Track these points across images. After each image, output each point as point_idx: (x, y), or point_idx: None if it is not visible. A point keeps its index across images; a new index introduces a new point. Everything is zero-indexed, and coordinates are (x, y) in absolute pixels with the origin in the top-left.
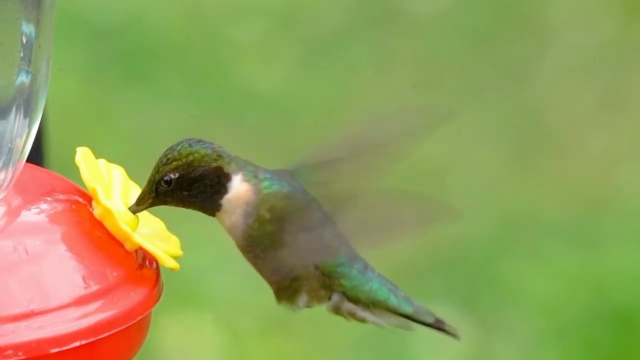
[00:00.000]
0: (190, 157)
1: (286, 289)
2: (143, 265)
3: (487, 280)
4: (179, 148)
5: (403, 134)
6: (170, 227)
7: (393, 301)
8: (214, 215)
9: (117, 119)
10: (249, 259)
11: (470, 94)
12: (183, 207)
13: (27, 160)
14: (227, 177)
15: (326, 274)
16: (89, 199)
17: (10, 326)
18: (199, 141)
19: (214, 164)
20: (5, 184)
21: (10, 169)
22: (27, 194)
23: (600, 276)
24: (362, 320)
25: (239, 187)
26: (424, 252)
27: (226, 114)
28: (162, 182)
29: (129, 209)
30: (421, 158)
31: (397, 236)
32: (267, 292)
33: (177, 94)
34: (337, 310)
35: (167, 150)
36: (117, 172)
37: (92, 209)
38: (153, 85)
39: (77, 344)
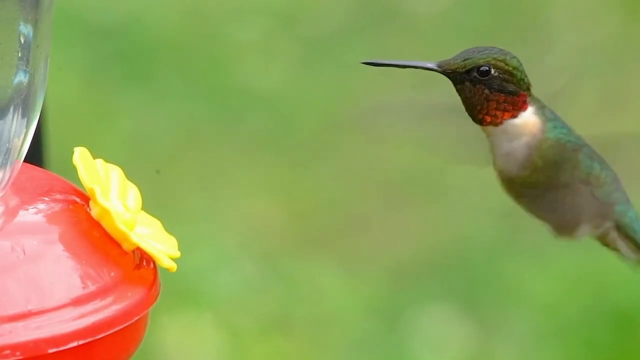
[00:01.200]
0: (515, 72)
1: (567, 225)
2: (141, 265)
3: (487, 280)
4: (511, 57)
5: None
6: (170, 227)
7: None
8: (481, 124)
9: (117, 119)
10: (513, 193)
11: None
12: (466, 98)
13: (27, 160)
14: (524, 105)
15: (603, 201)
16: (86, 199)
17: (7, 326)
18: (521, 64)
19: (523, 91)
20: (3, 184)
21: (7, 169)
22: (25, 194)
23: (600, 276)
24: (620, 250)
25: (529, 117)
26: (424, 252)
27: (226, 114)
28: (481, 67)
29: (428, 64)
30: (421, 158)
31: None
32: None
33: (177, 94)
34: (605, 238)
35: (502, 49)
36: (115, 173)
37: (90, 209)
38: (153, 85)
39: (74, 344)
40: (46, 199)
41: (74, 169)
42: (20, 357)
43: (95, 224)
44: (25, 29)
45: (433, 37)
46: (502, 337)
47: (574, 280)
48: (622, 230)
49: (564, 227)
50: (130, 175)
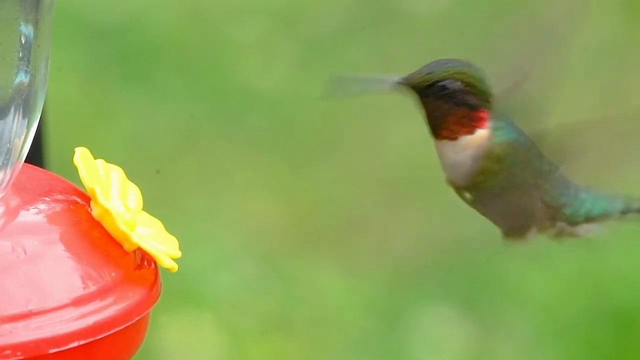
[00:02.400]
0: (477, 84)
1: (516, 228)
2: (141, 265)
3: (487, 280)
4: (474, 69)
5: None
6: (170, 228)
7: (608, 211)
8: (437, 138)
9: (117, 119)
10: (466, 199)
11: None
12: (426, 111)
13: (27, 161)
14: (482, 124)
15: (552, 206)
16: (87, 199)
17: (8, 326)
18: (485, 77)
19: (486, 105)
20: (4, 184)
21: (8, 169)
22: (26, 194)
23: (600, 276)
24: (581, 235)
25: (479, 132)
26: (424, 252)
27: (226, 114)
28: (442, 81)
29: (389, 80)
30: (421, 157)
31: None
32: (267, 292)
33: (177, 94)
34: (559, 235)
35: (464, 61)
36: (115, 173)
37: (91, 210)
38: (153, 85)
39: (75, 344)
40: (47, 199)
41: (74, 169)
42: (21, 357)
43: (96, 224)
44: (26, 29)
45: (433, 37)
46: (502, 337)
47: (574, 280)
48: (582, 221)
49: (515, 229)
50: (130, 175)
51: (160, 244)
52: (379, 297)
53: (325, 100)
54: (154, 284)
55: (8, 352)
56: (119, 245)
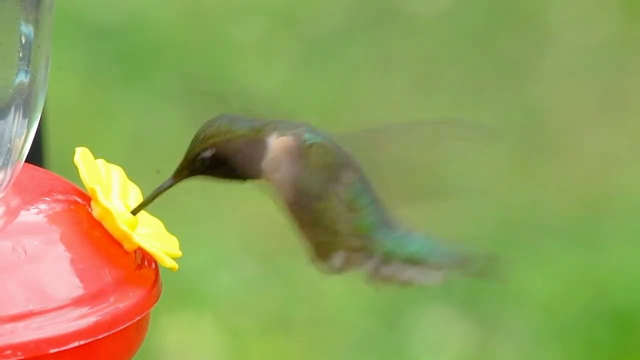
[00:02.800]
0: (229, 135)
1: (321, 246)
2: (142, 265)
3: (487, 280)
4: (217, 124)
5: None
6: (170, 227)
7: (434, 258)
8: (253, 180)
9: (117, 119)
10: (291, 214)
11: (470, 93)
12: (220, 179)
13: (27, 161)
14: (264, 145)
15: (364, 235)
16: (87, 199)
17: (8, 326)
18: (238, 118)
19: (252, 139)
20: (4, 184)
21: (9, 169)
22: (26, 194)
23: (600, 276)
24: (403, 283)
25: (276, 144)
26: None
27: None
28: (198, 159)
29: (166, 182)
30: (421, 157)
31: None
32: (267, 292)
33: (177, 94)
34: (375, 276)
35: (204, 125)
36: (116, 173)
37: (91, 209)
38: (153, 85)
39: (75, 344)
40: (47, 199)
41: (75, 168)
42: (22, 357)
43: (97, 224)
44: (26, 29)
45: (433, 37)
46: (502, 337)
47: (574, 280)
48: (402, 261)
49: (320, 248)
50: (130, 175)
51: (160, 243)
52: (379, 297)
53: (325, 100)
54: (154, 284)
55: (8, 352)
56: (119, 245)
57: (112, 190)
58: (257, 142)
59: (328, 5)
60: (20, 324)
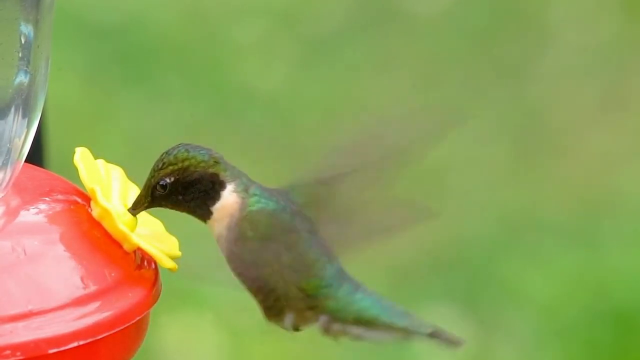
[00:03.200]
0: (187, 162)
1: (271, 308)
2: (141, 265)
3: (487, 280)
4: (175, 152)
5: (410, 139)
6: (170, 228)
7: (384, 318)
8: (205, 222)
9: (117, 119)
10: (233, 272)
11: (470, 94)
12: (178, 210)
13: (27, 161)
14: (221, 185)
15: (311, 295)
16: (87, 199)
17: (8, 326)
18: (196, 146)
19: (210, 170)
20: (4, 184)
21: (8, 169)
22: (26, 194)
23: (600, 276)
24: (356, 339)
25: (228, 198)
26: (424, 252)
27: (226, 114)
28: (157, 186)
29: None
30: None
31: (382, 238)
32: None
33: (177, 94)
34: (327, 332)
35: (163, 154)
36: (116, 173)
37: (91, 210)
38: (153, 85)
39: (75, 344)
40: (47, 199)
41: (74, 169)
42: (21, 358)
43: (96, 225)
44: (26, 29)
45: (433, 37)
46: (502, 337)
47: (574, 280)
48: (351, 320)
49: (269, 309)
50: (130, 175)
51: (160, 244)
52: None
53: (325, 100)
54: (154, 284)
55: (8, 352)
56: (119, 245)
57: (112, 190)
58: (214, 180)
59: (328, 5)
60: (20, 324)
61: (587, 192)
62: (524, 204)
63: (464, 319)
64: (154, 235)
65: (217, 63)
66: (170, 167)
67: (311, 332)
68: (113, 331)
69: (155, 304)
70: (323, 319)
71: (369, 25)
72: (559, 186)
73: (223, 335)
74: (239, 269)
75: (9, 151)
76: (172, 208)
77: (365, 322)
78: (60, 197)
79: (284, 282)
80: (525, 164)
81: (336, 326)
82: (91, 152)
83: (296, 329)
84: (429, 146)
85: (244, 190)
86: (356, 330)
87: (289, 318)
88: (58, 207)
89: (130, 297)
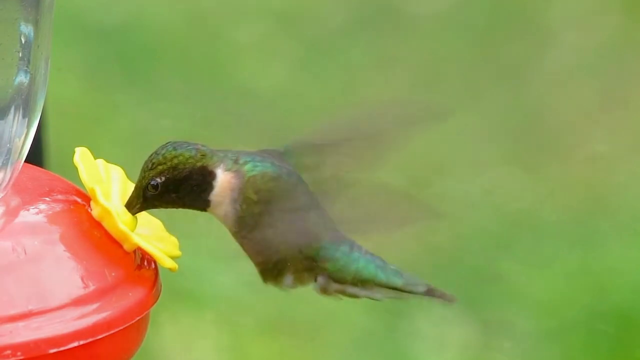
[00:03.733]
0: (175, 160)
1: (271, 270)
2: (141, 265)
3: (487, 279)
4: (163, 152)
5: (399, 125)
6: (170, 227)
7: (381, 277)
8: (205, 211)
9: (117, 119)
10: (239, 242)
11: (470, 94)
12: (173, 207)
13: (27, 161)
14: (211, 175)
15: (310, 256)
16: (87, 199)
17: (8, 326)
18: (183, 143)
19: (199, 164)
20: (4, 184)
21: (8, 169)
22: (26, 194)
23: (600, 276)
24: (353, 296)
25: (222, 180)
26: (424, 252)
27: (226, 114)
28: (148, 187)
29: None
30: (421, 157)
31: (381, 229)
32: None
33: (177, 94)
34: (324, 291)
35: (151, 155)
36: (116, 173)
37: (91, 210)
38: (153, 85)
39: (75, 344)
40: (47, 199)
41: (74, 169)
42: (21, 357)
43: (96, 224)
44: (26, 29)
45: (433, 37)
46: (502, 337)
47: (574, 280)
48: (349, 281)
49: (268, 270)
50: (130, 175)
51: (160, 243)
52: None
53: (325, 100)
54: (154, 284)
55: (8, 352)
56: (119, 245)
57: (112, 190)
58: (204, 173)
59: (328, 5)
60: (20, 324)
61: (587, 192)
62: (524, 204)
63: (464, 319)
64: (154, 235)
65: (217, 63)
66: (160, 167)
67: (311, 331)
68: (113, 331)
69: (155, 304)
70: (321, 279)
71: (369, 25)
72: (559, 186)
73: (223, 335)
74: (244, 233)
75: (9, 151)
76: (166, 207)
77: (363, 282)
78: (60, 197)
79: (285, 244)
80: (525, 164)
81: (334, 286)
82: (91, 152)
83: (292, 288)
84: (412, 134)
85: (234, 163)
86: (353, 289)
87: (288, 279)
88: (58, 207)
89: (130, 297)
